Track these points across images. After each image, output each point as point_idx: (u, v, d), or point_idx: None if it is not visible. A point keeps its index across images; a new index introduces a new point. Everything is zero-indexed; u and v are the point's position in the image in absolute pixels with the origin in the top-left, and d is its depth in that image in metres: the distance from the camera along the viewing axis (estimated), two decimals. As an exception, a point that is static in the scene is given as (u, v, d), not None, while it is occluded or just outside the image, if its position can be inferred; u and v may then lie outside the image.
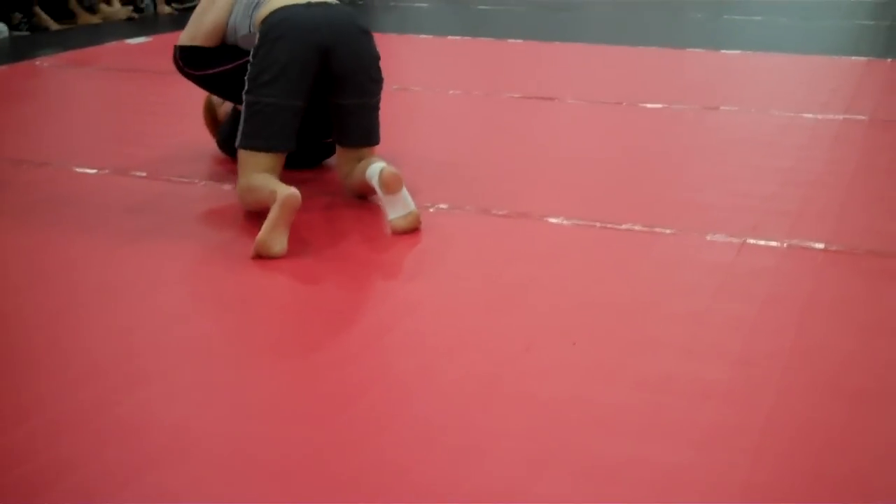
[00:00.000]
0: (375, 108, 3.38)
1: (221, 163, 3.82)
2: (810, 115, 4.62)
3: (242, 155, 3.23)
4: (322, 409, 2.07)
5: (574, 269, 2.85)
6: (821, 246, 2.98)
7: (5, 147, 4.03)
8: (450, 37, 7.15)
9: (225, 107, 3.89)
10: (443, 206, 3.33)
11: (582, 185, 3.61)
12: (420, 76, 5.61)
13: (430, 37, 7.21)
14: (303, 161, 3.70)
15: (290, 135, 3.21)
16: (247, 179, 3.19)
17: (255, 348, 2.39)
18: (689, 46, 6.63)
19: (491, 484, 1.81)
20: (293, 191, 2.93)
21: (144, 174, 3.67)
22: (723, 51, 6.43)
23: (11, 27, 6.91)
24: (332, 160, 3.72)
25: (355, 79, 3.27)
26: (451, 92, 5.23)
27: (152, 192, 3.50)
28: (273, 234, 2.88)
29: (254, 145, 3.19)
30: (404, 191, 3.08)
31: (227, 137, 3.65)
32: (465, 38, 7.10)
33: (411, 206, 3.09)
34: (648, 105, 4.83)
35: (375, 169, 3.11)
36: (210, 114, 3.97)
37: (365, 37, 3.32)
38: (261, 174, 3.16)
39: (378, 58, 3.35)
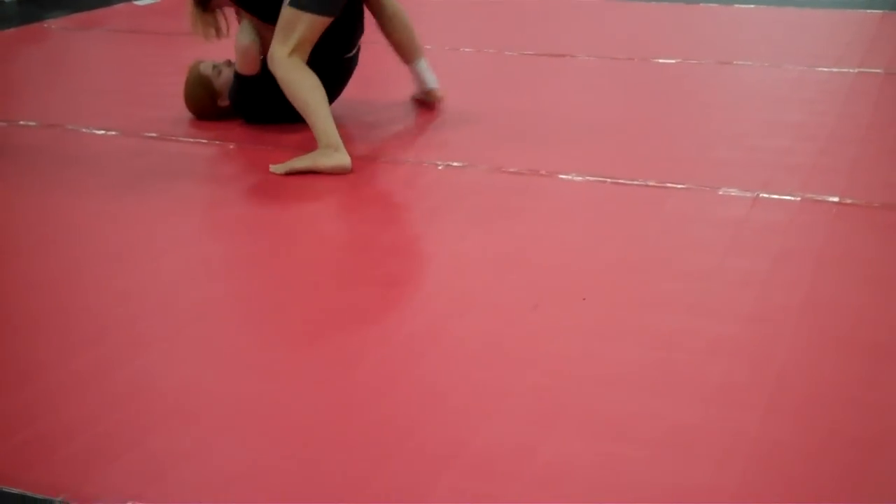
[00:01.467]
0: None
1: (237, 125, 3.79)
2: (824, 69, 4.55)
3: (293, 16, 3.25)
4: (327, 369, 2.06)
5: (585, 225, 2.83)
6: (835, 199, 2.94)
7: (14, 109, 4.01)
8: (461, -6, 7.07)
9: (224, 76, 3.80)
10: (455, 163, 3.31)
11: (594, 141, 3.57)
12: (432, 34, 5.54)
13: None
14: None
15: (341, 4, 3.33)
16: (297, 64, 3.27)
17: (259, 310, 2.38)
18: (703, 1, 6.53)
19: (499, 443, 1.80)
20: (349, 163, 3.16)
21: (154, 135, 3.66)
22: (736, 5, 6.33)
23: (19, -11, 6.88)
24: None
25: None
26: (462, 49, 5.18)
27: (161, 152, 3.48)
28: (295, 171, 3.14)
29: (316, 8, 3.24)
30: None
31: (243, 97, 3.64)
32: (476, -5, 7.01)
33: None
34: (661, 60, 4.77)
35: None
36: (205, 89, 3.78)
37: None
38: (322, 101, 3.26)
39: None
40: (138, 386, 2.00)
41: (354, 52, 3.68)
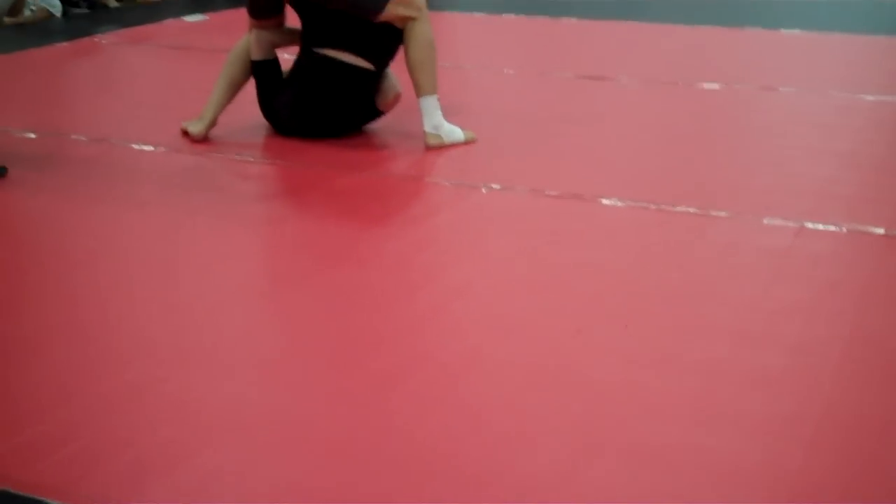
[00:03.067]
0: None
1: (277, 142, 3.84)
2: (870, 97, 4.52)
3: None
4: (371, 389, 2.08)
5: (627, 251, 2.83)
6: (880, 231, 2.92)
7: (64, 123, 4.09)
8: (504, 14, 7.10)
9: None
10: (495, 185, 3.32)
11: (636, 166, 3.58)
12: (474, 54, 5.59)
13: (485, 14, 7.17)
14: (350, 124, 3.84)
15: None
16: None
17: (305, 329, 2.40)
18: (748, 25, 6.52)
19: (540, 470, 1.80)
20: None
21: (201, 151, 3.71)
22: (782, 30, 6.31)
23: (72, 4, 7.00)
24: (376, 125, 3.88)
25: None
26: (505, 71, 5.20)
27: (208, 169, 3.53)
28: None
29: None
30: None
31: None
32: (520, 16, 7.04)
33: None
34: (705, 85, 4.76)
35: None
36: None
37: None
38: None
39: None
40: (183, 401, 2.02)
41: (376, 68, 3.77)
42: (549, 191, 3.27)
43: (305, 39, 3.83)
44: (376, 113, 3.92)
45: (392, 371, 2.15)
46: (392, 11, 3.66)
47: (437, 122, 3.72)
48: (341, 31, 3.73)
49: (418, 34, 3.70)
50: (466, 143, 3.76)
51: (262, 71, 3.90)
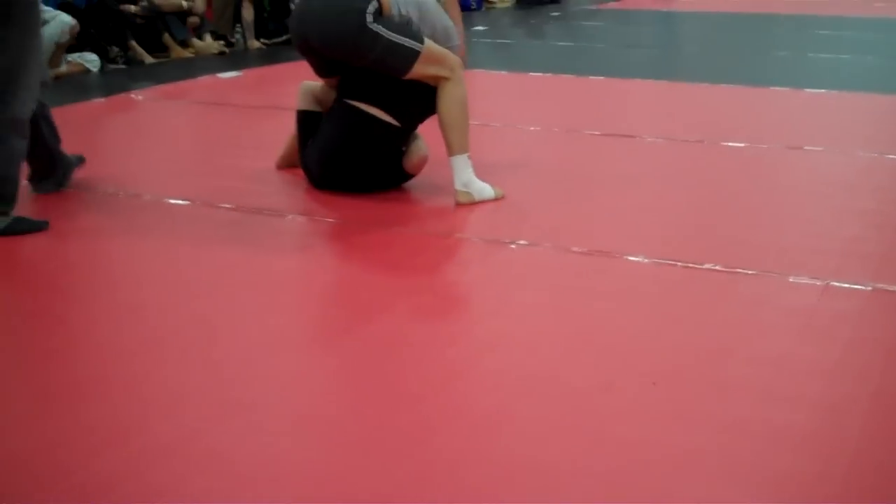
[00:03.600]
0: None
1: (310, 196, 3.91)
2: (895, 157, 4.56)
3: (433, 48, 3.75)
4: (404, 443, 2.11)
5: (654, 308, 2.87)
6: (906, 291, 2.95)
7: (101, 178, 4.18)
8: (530, 73, 7.21)
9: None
10: (522, 242, 3.37)
11: (662, 223, 3.62)
12: (500, 112, 5.67)
13: (511, 73, 7.28)
14: (376, 180, 3.92)
15: None
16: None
17: (338, 382, 2.45)
18: (773, 84, 6.58)
19: (569, 522, 1.82)
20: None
21: (235, 206, 3.78)
22: (807, 89, 6.37)
23: (108, 60, 7.17)
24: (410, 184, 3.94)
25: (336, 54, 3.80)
26: (531, 128, 5.28)
27: (242, 224, 3.60)
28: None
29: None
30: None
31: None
32: (546, 74, 7.15)
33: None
34: (730, 144, 4.81)
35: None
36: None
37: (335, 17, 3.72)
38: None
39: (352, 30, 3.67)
40: (219, 453, 2.06)
41: (401, 126, 3.86)
42: (576, 247, 3.32)
43: (339, 89, 3.94)
44: (403, 174, 3.98)
45: (426, 424, 2.19)
46: (421, 70, 3.75)
47: (468, 180, 3.79)
48: (372, 84, 3.83)
49: (451, 94, 3.78)
50: (496, 199, 3.82)
51: (304, 122, 4.03)
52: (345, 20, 3.68)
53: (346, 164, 3.89)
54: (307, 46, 3.86)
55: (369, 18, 3.65)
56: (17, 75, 3.37)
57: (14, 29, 3.32)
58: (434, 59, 3.75)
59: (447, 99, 3.78)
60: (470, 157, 3.80)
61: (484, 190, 3.82)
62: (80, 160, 4.12)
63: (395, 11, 3.75)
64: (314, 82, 4.06)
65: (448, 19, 3.98)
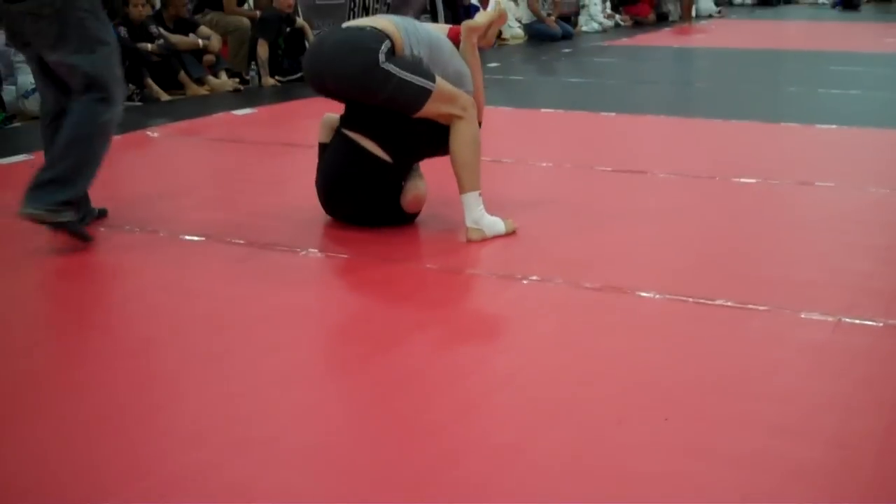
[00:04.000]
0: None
1: (323, 232, 3.95)
2: (908, 192, 4.57)
3: (445, 86, 3.79)
4: (420, 477, 2.13)
5: (666, 344, 2.88)
6: (918, 326, 2.95)
7: (117, 214, 4.22)
8: (542, 109, 7.27)
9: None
10: (534, 277, 3.39)
11: (674, 259, 3.64)
12: (512, 148, 5.71)
13: (523, 109, 7.33)
14: (373, 215, 3.97)
15: None
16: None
17: (353, 416, 2.46)
18: (784, 120, 6.62)
19: (583, 557, 1.83)
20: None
21: (249, 242, 3.82)
22: (818, 125, 6.40)
23: (125, 98, 7.24)
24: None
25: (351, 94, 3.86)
26: (542, 164, 5.31)
27: (257, 259, 3.63)
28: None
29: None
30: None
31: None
32: (557, 110, 7.20)
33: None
34: (742, 180, 4.84)
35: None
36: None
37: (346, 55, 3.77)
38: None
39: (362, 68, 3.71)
40: (235, 487, 2.08)
41: (393, 162, 3.87)
42: (588, 283, 3.33)
43: (341, 119, 4.01)
44: (402, 213, 3.98)
45: (440, 458, 2.20)
46: (434, 109, 3.79)
47: (478, 217, 3.81)
48: (370, 117, 3.87)
49: (463, 132, 3.81)
50: (507, 234, 3.85)
51: (324, 153, 4.08)
52: (357, 59, 3.73)
53: (343, 196, 3.95)
54: (321, 85, 3.91)
55: (381, 58, 3.69)
56: (104, 79, 3.71)
57: (75, 38, 3.61)
58: (446, 97, 3.79)
59: (459, 138, 3.82)
60: (481, 195, 3.83)
61: (495, 225, 3.84)
62: (102, 213, 4.15)
63: (406, 52, 3.79)
64: (335, 115, 4.10)
65: (463, 65, 4.00)
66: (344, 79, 3.81)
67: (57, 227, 3.64)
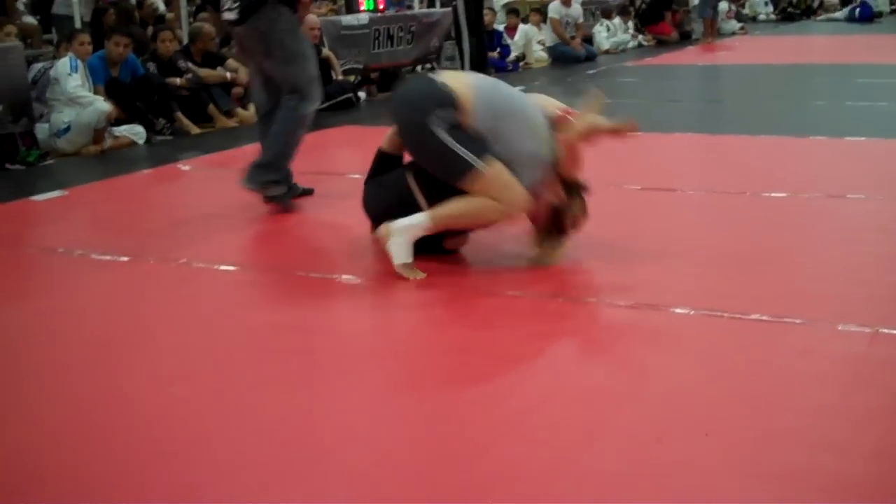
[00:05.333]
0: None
1: (355, 259, 3.97)
2: (941, 202, 4.55)
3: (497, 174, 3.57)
4: (463, 495, 2.13)
5: (703, 359, 2.87)
6: (957, 336, 2.93)
7: (152, 246, 4.27)
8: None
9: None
10: (567, 297, 3.40)
11: (707, 275, 3.63)
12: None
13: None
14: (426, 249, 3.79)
15: None
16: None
17: (390, 441, 2.47)
18: (813, 134, 6.59)
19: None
20: None
21: (283, 270, 3.85)
22: (847, 138, 6.38)
23: (156, 132, 7.34)
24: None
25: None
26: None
27: (291, 287, 3.66)
28: None
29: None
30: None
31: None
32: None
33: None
34: (773, 194, 4.82)
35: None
36: None
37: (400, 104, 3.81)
38: None
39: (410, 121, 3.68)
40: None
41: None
42: (622, 301, 3.34)
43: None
44: (440, 248, 3.84)
45: (482, 479, 2.20)
46: (478, 188, 3.55)
47: (404, 229, 3.57)
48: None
49: (485, 205, 3.58)
50: (399, 273, 3.60)
51: (379, 160, 4.05)
52: (408, 111, 3.70)
53: (376, 219, 3.89)
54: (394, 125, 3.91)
55: (432, 118, 3.55)
56: (301, 83, 4.69)
57: (278, 53, 4.67)
58: (495, 185, 3.55)
59: (479, 202, 3.58)
60: (427, 231, 3.59)
61: (399, 253, 3.58)
62: (308, 191, 5.05)
63: (470, 120, 3.58)
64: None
65: (540, 147, 3.68)
66: (398, 126, 3.82)
67: (269, 199, 4.80)
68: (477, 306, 3.41)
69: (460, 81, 3.73)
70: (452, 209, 3.61)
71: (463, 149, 3.55)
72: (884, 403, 2.51)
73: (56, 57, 7.43)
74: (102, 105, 6.72)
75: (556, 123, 3.74)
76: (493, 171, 3.55)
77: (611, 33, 14.72)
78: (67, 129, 6.70)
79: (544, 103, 3.86)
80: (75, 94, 6.67)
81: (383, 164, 4.06)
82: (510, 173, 3.58)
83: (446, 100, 3.61)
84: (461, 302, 3.46)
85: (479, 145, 3.58)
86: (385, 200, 3.89)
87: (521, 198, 3.60)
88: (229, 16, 4.75)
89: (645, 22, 16.17)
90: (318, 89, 4.87)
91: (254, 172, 4.79)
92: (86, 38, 7.06)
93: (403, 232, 3.58)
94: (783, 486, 2.13)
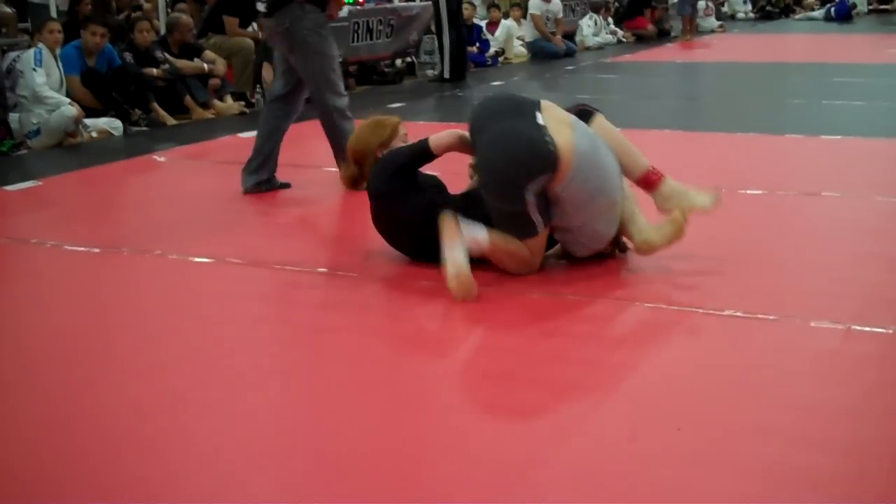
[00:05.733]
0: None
1: (335, 251, 3.95)
2: (915, 201, 4.57)
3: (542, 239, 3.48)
4: (438, 491, 2.13)
5: (676, 354, 2.88)
6: (929, 333, 2.95)
7: (126, 238, 4.24)
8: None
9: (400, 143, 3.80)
10: (537, 294, 3.39)
11: (682, 271, 3.63)
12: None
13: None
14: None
15: None
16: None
17: (364, 431, 2.47)
18: (789, 132, 6.62)
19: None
20: None
21: (257, 263, 3.83)
22: (823, 136, 6.41)
23: (131, 123, 7.29)
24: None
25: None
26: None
27: (266, 279, 3.65)
28: None
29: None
30: None
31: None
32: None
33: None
34: (748, 191, 4.84)
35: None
36: (378, 135, 3.84)
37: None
38: None
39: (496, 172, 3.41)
40: (249, 505, 2.09)
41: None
42: (590, 294, 3.33)
43: (459, 199, 3.65)
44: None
45: (451, 476, 2.20)
46: (529, 244, 3.47)
47: (469, 236, 3.38)
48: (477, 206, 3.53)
49: (526, 261, 3.50)
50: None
51: (420, 152, 3.68)
52: (515, 172, 3.36)
53: (405, 238, 3.71)
54: (473, 147, 3.56)
55: (531, 188, 3.35)
56: (321, 81, 4.88)
57: (301, 51, 4.86)
58: (535, 248, 3.49)
59: (524, 254, 3.48)
60: (484, 250, 3.43)
61: (460, 255, 3.32)
62: (285, 185, 5.07)
63: (558, 186, 3.39)
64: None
65: (612, 228, 3.57)
66: (486, 168, 3.48)
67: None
68: (486, 302, 3.39)
69: (565, 139, 3.40)
70: (509, 245, 3.46)
71: (538, 216, 3.42)
72: (857, 399, 2.53)
73: (31, 46, 7.35)
74: (68, 110, 6.59)
75: (642, 184, 3.65)
76: (543, 237, 3.50)
77: (597, 28, 14.73)
78: (38, 132, 6.61)
79: (558, 115, 3.53)
80: (41, 92, 6.53)
81: (422, 157, 3.67)
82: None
83: (549, 166, 3.36)
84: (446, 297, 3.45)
85: (549, 213, 3.47)
86: (418, 230, 3.58)
87: (538, 257, 3.54)
88: (260, 6, 5.18)
89: (623, 18, 16.19)
90: (340, 85, 5.02)
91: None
92: (56, 26, 6.94)
93: (468, 240, 3.35)
94: (755, 479, 2.14)
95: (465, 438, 2.38)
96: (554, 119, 3.48)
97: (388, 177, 3.66)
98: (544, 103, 3.58)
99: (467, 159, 3.72)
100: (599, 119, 3.71)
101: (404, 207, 3.63)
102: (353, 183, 3.91)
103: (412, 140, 3.77)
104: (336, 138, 4.96)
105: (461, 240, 3.31)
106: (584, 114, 3.68)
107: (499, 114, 3.56)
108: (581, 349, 2.94)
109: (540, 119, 3.46)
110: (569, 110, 3.65)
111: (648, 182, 3.66)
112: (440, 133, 3.67)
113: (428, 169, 3.75)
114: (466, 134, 3.61)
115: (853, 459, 2.22)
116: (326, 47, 4.95)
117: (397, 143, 3.82)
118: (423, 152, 3.66)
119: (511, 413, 2.52)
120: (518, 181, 3.36)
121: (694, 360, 2.83)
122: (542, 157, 3.36)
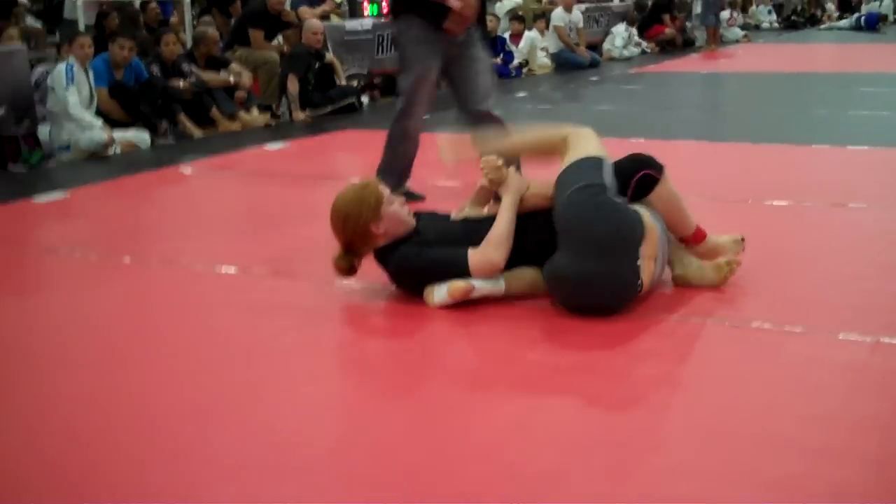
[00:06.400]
0: None
1: (365, 264, 3.94)
2: (943, 211, 4.54)
3: None
4: (471, 496, 2.13)
5: (704, 367, 2.87)
6: (958, 345, 2.93)
7: (153, 249, 4.28)
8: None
9: (394, 209, 3.42)
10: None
11: (709, 283, 3.62)
12: (540, 175, 5.71)
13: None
14: None
15: None
16: None
17: (388, 447, 2.47)
18: (815, 142, 6.59)
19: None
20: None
21: (284, 273, 3.85)
22: (849, 146, 6.37)
23: (158, 135, 7.35)
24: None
25: None
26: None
27: (292, 291, 3.66)
28: None
29: None
30: None
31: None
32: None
33: None
34: (774, 202, 4.82)
35: None
36: (366, 205, 3.43)
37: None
38: None
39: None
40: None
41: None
42: (626, 309, 3.32)
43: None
44: None
45: (477, 486, 2.20)
46: None
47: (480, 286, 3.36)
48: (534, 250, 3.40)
49: (530, 277, 3.43)
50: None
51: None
52: (618, 273, 3.22)
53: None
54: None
55: (638, 287, 3.26)
56: (403, 94, 4.78)
57: (400, 64, 4.82)
58: None
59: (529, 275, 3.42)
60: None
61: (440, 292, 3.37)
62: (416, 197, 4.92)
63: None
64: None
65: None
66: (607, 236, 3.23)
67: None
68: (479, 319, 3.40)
69: (649, 273, 3.30)
70: (520, 281, 3.43)
71: None
72: (884, 411, 2.51)
73: (58, 59, 7.43)
74: (99, 135, 6.68)
75: (685, 242, 3.59)
76: None
77: (629, 40, 14.74)
78: (68, 148, 6.70)
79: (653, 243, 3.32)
80: (75, 114, 6.62)
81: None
82: None
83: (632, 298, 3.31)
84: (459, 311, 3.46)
85: None
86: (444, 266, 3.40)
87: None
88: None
89: (642, 29, 16.15)
90: (421, 105, 4.81)
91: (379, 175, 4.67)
92: (87, 41, 7.02)
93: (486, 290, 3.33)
94: (781, 492, 2.13)
95: (495, 448, 2.38)
96: (649, 257, 3.29)
97: (413, 271, 3.44)
98: (647, 224, 3.29)
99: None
100: (660, 190, 3.50)
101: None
102: (346, 273, 3.53)
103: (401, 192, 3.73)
104: (386, 153, 4.90)
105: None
106: (648, 179, 3.49)
107: (598, 244, 3.22)
108: (608, 361, 2.93)
109: (640, 260, 3.24)
110: (627, 161, 3.55)
111: (695, 240, 3.60)
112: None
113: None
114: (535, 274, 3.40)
115: (881, 473, 2.21)
116: (418, 61, 4.76)
117: (389, 209, 3.42)
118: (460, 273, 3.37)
119: (540, 424, 2.51)
120: (629, 287, 3.25)
121: (721, 372, 2.82)
122: (630, 299, 3.29)
